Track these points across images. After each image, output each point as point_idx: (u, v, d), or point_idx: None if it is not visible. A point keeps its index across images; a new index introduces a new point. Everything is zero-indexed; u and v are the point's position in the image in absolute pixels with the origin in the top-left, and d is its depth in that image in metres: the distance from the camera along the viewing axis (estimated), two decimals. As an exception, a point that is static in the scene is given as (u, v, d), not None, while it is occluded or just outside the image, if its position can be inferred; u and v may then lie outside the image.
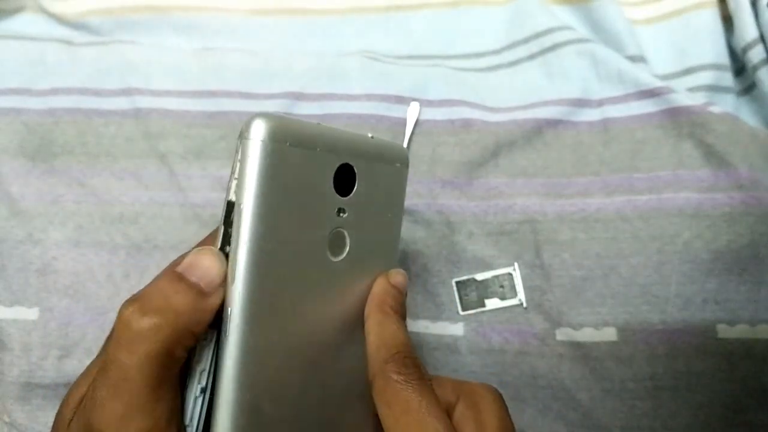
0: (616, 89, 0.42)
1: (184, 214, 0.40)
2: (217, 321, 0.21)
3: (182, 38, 0.46)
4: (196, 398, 0.22)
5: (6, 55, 0.45)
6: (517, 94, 0.43)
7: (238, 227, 0.20)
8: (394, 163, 0.27)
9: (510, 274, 0.38)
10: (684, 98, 0.40)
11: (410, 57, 0.45)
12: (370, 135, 0.25)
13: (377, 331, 0.25)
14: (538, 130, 0.41)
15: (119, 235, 0.40)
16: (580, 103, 0.42)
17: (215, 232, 0.24)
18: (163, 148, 0.42)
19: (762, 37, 0.41)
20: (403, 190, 0.28)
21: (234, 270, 0.21)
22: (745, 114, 0.43)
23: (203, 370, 0.21)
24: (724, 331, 0.36)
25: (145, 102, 0.43)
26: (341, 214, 0.24)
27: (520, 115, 0.42)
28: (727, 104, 0.42)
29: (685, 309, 0.36)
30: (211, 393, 0.21)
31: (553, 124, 0.41)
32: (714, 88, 0.42)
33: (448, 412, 0.24)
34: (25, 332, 0.38)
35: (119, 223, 0.40)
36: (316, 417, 0.25)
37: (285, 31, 0.46)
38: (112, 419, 0.20)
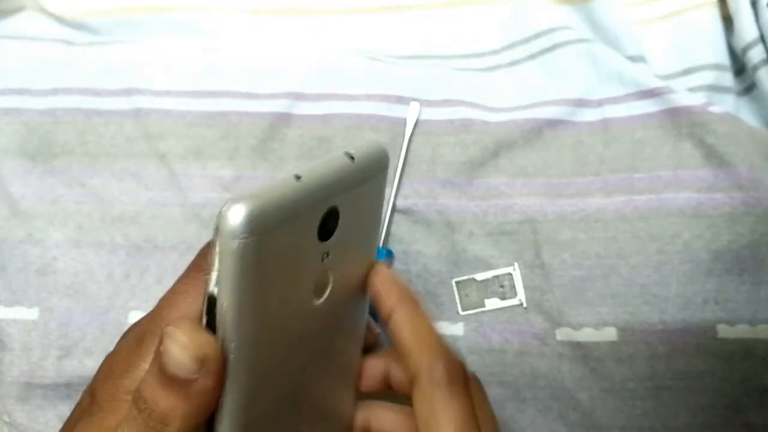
0: (616, 89, 0.42)
1: (184, 214, 0.40)
2: None
3: (182, 38, 0.46)
4: None
5: (6, 55, 0.45)
6: (517, 94, 0.43)
7: (224, 325, 0.19)
8: (375, 174, 0.24)
9: (510, 274, 0.38)
10: (684, 98, 0.40)
11: (410, 57, 0.45)
12: (349, 156, 0.22)
13: (411, 327, 0.24)
14: (538, 130, 0.41)
15: (119, 235, 0.40)
16: (580, 103, 0.42)
17: (199, 278, 0.23)
18: (163, 148, 0.42)
19: (762, 37, 0.41)
20: (383, 192, 0.26)
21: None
22: (745, 114, 0.43)
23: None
24: (724, 331, 0.36)
25: (145, 102, 0.43)
26: (325, 259, 0.22)
27: (520, 115, 0.42)
28: (727, 104, 0.42)
29: (685, 309, 0.36)
30: None
31: (553, 124, 0.41)
32: (714, 88, 0.42)
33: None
34: (25, 332, 0.38)
35: (119, 223, 0.40)
36: None
37: (285, 31, 0.46)
38: None
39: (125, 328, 0.26)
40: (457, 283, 0.39)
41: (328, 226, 0.21)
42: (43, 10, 0.47)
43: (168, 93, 0.43)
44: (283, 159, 0.41)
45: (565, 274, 0.38)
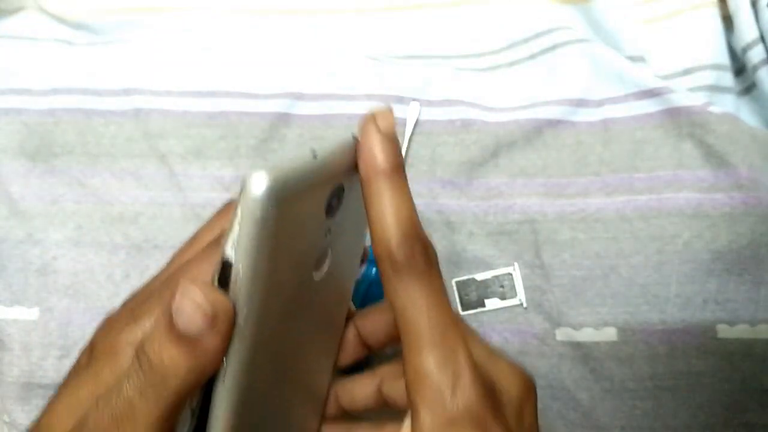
0: (616, 89, 0.42)
1: (184, 214, 0.40)
2: None
3: (182, 38, 0.46)
4: (185, 420, 0.21)
5: (6, 55, 0.45)
6: (517, 94, 0.43)
7: (236, 291, 0.19)
8: None
9: (510, 274, 0.38)
10: (684, 98, 0.40)
11: (410, 57, 0.45)
12: (357, 139, 0.23)
13: (380, 203, 0.21)
14: (538, 130, 0.41)
15: (119, 235, 0.40)
16: (580, 103, 0.42)
17: (208, 252, 0.24)
18: (163, 148, 0.42)
19: (762, 37, 0.41)
20: None
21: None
22: (745, 114, 0.43)
23: (194, 394, 0.21)
24: (724, 331, 0.36)
25: (145, 102, 0.43)
26: (327, 235, 0.23)
27: (520, 115, 0.42)
28: (727, 104, 0.42)
29: (685, 309, 0.36)
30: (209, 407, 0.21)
31: (553, 124, 0.41)
32: (714, 88, 0.42)
33: None
34: (25, 332, 0.38)
35: (119, 223, 0.40)
36: (285, 412, 0.26)
37: (285, 31, 0.46)
38: None
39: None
40: (457, 283, 0.39)
41: (333, 203, 0.22)
42: (43, 10, 0.47)
43: (168, 93, 0.43)
44: (283, 159, 0.41)
45: (565, 274, 0.38)
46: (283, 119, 0.42)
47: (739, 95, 0.43)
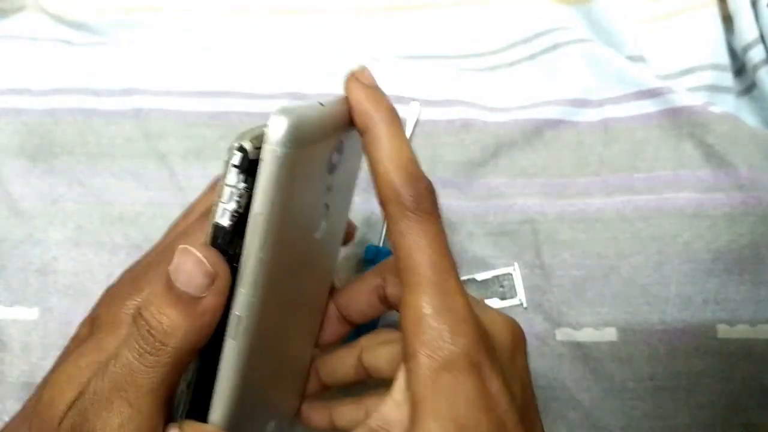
0: (616, 89, 0.42)
1: (184, 214, 0.40)
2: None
3: (182, 38, 0.46)
4: (181, 392, 0.22)
5: (6, 55, 0.45)
6: (517, 94, 0.43)
7: (253, 238, 0.20)
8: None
9: (510, 274, 0.38)
10: (684, 98, 0.40)
11: (410, 57, 0.45)
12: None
13: (389, 145, 0.22)
14: (538, 130, 0.41)
15: (119, 235, 0.40)
16: (580, 103, 0.42)
17: (202, 221, 0.24)
18: (163, 148, 0.42)
19: (762, 37, 0.41)
20: (361, 152, 0.26)
21: (243, 277, 0.20)
22: (745, 114, 0.43)
23: (189, 368, 0.22)
24: (724, 331, 0.36)
25: (145, 102, 0.43)
26: (327, 193, 0.24)
27: (520, 115, 0.42)
28: (727, 104, 0.42)
29: (685, 309, 0.36)
30: (203, 382, 0.21)
31: (553, 124, 0.41)
32: (714, 88, 0.42)
33: None
34: (25, 332, 0.38)
35: (119, 223, 0.40)
36: (284, 367, 0.26)
37: (285, 31, 0.46)
38: (113, 420, 0.20)
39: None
40: (457, 283, 0.39)
41: (333, 158, 0.23)
42: (43, 10, 0.47)
43: (168, 93, 0.43)
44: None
45: (565, 274, 0.38)
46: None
47: (739, 95, 0.43)
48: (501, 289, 0.38)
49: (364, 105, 0.22)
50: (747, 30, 0.41)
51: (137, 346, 0.20)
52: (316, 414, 0.29)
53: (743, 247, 0.37)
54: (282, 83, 0.43)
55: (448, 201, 0.40)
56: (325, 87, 0.43)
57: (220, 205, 0.20)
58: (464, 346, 0.20)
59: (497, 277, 0.38)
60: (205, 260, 0.20)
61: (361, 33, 0.46)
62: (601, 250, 0.38)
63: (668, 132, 0.40)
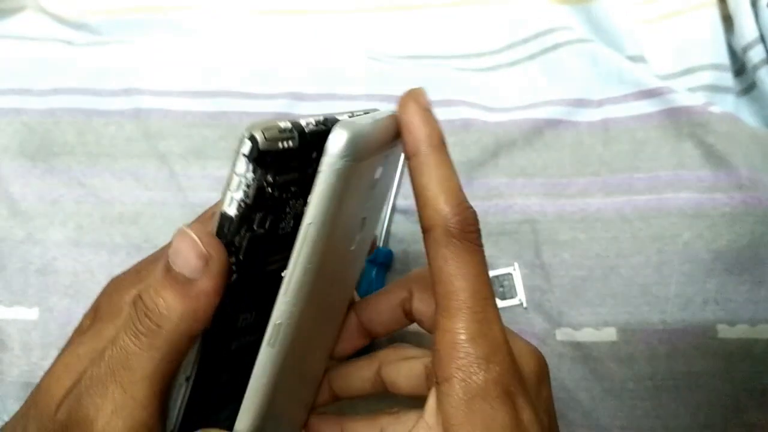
0: (616, 89, 0.42)
1: (184, 214, 0.40)
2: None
3: (182, 38, 0.46)
4: (179, 386, 0.22)
5: (6, 55, 0.45)
6: (517, 94, 0.43)
7: (302, 247, 0.20)
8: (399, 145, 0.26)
9: (510, 274, 0.38)
10: (684, 98, 0.40)
11: (410, 57, 0.45)
12: (392, 112, 0.24)
13: (436, 173, 0.22)
14: (538, 130, 0.41)
15: (119, 235, 0.40)
16: (580, 103, 0.42)
17: (207, 215, 0.24)
18: (163, 148, 0.42)
19: (762, 37, 0.41)
20: (398, 164, 0.27)
21: (288, 285, 0.20)
22: (745, 114, 0.43)
23: (189, 362, 0.21)
24: (724, 331, 0.36)
25: (145, 102, 0.43)
26: (367, 205, 0.24)
27: (520, 115, 0.42)
28: (727, 104, 0.42)
29: (685, 309, 0.36)
30: (203, 382, 0.21)
31: (553, 124, 0.41)
32: (714, 88, 0.42)
33: None
34: (25, 332, 0.38)
35: (119, 223, 0.40)
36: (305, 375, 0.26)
37: (285, 31, 0.46)
38: (107, 406, 0.20)
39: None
40: (457, 283, 0.39)
41: (377, 174, 0.23)
42: (43, 10, 0.47)
43: (168, 93, 0.43)
44: (283, 159, 0.41)
45: (565, 274, 0.38)
46: (283, 119, 0.42)
47: (739, 95, 0.43)
48: (501, 289, 0.38)
49: (418, 129, 0.22)
50: (747, 30, 0.41)
51: (133, 328, 0.20)
52: (326, 428, 0.28)
53: (743, 247, 0.37)
54: (282, 83, 0.43)
55: (448, 201, 0.40)
56: (325, 87, 0.43)
57: (228, 193, 0.20)
58: (499, 374, 0.20)
59: (497, 277, 0.38)
60: (200, 242, 0.20)
61: (361, 33, 0.46)
62: (601, 250, 0.38)
63: (668, 132, 0.40)
